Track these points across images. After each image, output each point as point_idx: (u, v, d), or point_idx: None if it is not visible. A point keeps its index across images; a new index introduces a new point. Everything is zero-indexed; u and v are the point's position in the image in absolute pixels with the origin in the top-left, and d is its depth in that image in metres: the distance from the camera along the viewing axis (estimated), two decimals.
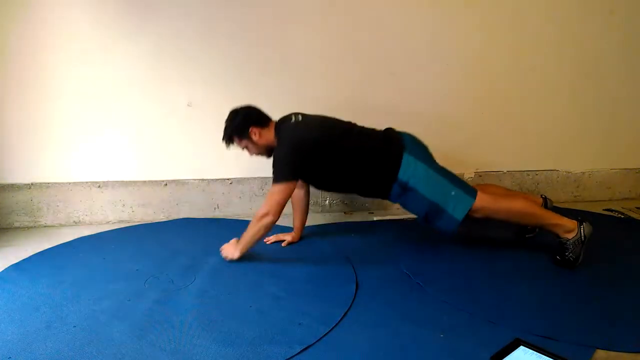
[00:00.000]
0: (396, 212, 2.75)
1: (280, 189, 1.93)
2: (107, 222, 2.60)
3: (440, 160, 2.08)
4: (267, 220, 1.92)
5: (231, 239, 2.06)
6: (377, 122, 2.16)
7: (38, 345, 1.43)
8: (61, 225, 2.55)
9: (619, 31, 2.83)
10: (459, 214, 1.92)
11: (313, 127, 2.05)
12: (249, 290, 1.79)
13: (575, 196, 3.07)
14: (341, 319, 1.58)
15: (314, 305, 1.66)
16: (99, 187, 2.56)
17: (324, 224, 2.57)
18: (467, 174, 2.87)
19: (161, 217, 2.65)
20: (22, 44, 2.33)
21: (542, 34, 2.76)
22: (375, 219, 2.68)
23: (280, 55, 2.56)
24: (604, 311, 1.64)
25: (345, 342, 1.45)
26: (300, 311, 1.62)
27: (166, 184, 2.63)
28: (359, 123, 2.13)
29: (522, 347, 1.36)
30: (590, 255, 1.94)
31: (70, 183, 2.53)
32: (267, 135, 2.06)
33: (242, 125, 2.04)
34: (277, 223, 1.97)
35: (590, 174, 3.05)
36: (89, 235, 2.38)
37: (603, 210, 2.84)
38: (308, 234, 2.33)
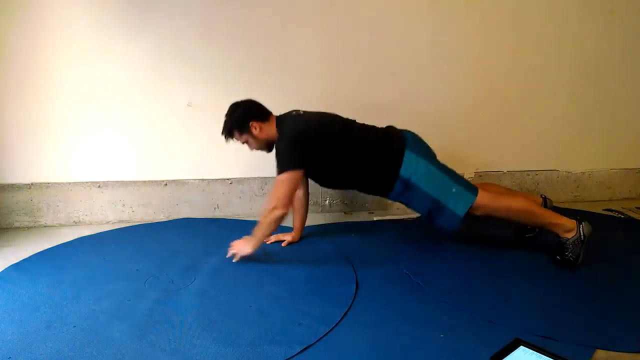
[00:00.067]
0: (396, 212, 2.76)
1: (286, 178, 1.92)
2: (107, 222, 2.60)
3: (440, 160, 2.08)
4: (277, 213, 1.92)
5: (231, 239, 2.05)
6: (377, 122, 2.16)
7: (38, 345, 1.43)
8: (61, 225, 2.55)
9: (619, 31, 2.83)
10: (460, 211, 1.93)
11: (313, 120, 2.06)
12: (249, 290, 1.79)
13: (575, 196, 3.07)
14: (341, 319, 1.58)
15: (314, 305, 1.66)
16: (99, 187, 2.56)
17: (324, 224, 2.57)
18: (467, 174, 2.87)
19: (161, 217, 2.65)
20: (22, 44, 2.33)
21: (542, 34, 2.76)
22: (375, 219, 2.68)
23: (280, 55, 2.56)
24: (604, 311, 1.64)
25: (345, 342, 1.45)
26: (300, 311, 1.62)
27: (166, 184, 2.63)
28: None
29: (522, 347, 1.36)
30: (590, 255, 1.94)
31: (70, 183, 2.53)
32: (268, 130, 2.06)
33: (242, 119, 2.03)
34: None
35: (590, 174, 3.05)
36: (89, 235, 2.38)
37: (603, 210, 2.84)
38: (308, 234, 2.33)
